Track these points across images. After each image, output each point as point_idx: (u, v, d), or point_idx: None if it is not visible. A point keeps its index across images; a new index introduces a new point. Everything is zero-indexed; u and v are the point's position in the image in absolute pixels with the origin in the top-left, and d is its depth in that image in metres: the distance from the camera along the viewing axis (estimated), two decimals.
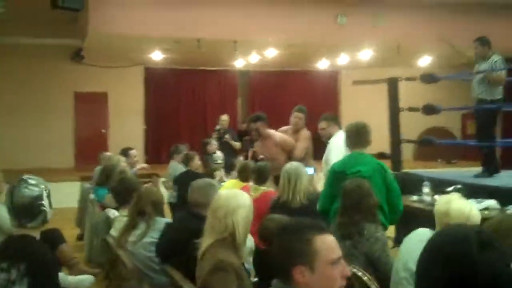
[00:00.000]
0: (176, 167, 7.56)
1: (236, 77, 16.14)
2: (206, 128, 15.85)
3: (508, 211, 4.98)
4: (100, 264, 5.26)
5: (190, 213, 3.34)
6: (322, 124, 5.64)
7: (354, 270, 3.02)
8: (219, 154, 8.91)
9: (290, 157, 6.20)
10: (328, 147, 5.38)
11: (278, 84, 16.46)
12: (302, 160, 5.84)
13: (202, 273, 2.69)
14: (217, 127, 10.20)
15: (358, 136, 4.22)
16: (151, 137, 15.30)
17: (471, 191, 5.57)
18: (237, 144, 9.99)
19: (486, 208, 5.14)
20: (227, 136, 9.88)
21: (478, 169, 6.87)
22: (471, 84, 6.63)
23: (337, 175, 4.15)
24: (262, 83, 16.36)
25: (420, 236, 3.02)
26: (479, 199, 5.31)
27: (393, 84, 7.35)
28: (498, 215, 4.40)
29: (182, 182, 6.40)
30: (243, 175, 5.48)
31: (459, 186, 5.66)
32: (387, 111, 7.53)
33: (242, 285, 2.66)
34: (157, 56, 12.55)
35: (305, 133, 6.55)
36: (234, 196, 2.82)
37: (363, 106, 15.54)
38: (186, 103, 15.80)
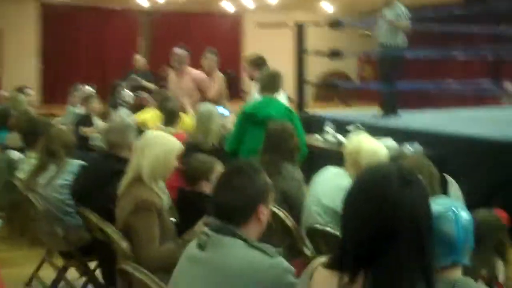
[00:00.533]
0: (71, 109, 7.32)
1: (139, 17, 15.61)
2: (105, 68, 15.37)
3: (406, 150, 5.30)
4: (1, 207, 5.06)
5: (106, 155, 3.28)
6: (245, 66, 5.63)
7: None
8: (127, 92, 8.43)
9: (204, 98, 6.19)
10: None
11: (181, 25, 16.12)
12: (217, 102, 5.89)
13: (123, 213, 2.69)
14: (134, 76, 9.37)
15: (270, 82, 4.31)
16: (48, 76, 14.56)
17: (370, 131, 5.87)
18: (151, 86, 9.54)
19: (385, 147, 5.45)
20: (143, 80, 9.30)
21: (375, 110, 7.26)
22: (376, 29, 6.89)
23: (247, 117, 4.25)
24: (165, 24, 15.94)
25: (331, 173, 3.19)
26: (377, 138, 5.62)
27: (300, 29, 7.47)
28: (401, 155, 4.67)
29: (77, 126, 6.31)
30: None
31: (358, 125, 5.95)
32: (289, 55, 7.64)
33: (164, 226, 2.70)
34: None
35: (219, 75, 6.55)
36: (149, 136, 2.83)
37: (267, 49, 15.62)
38: (85, 42, 15.09)
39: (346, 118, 6.75)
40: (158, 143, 2.75)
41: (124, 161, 3.03)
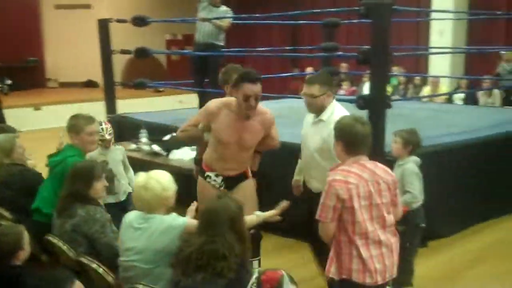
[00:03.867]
0: None
1: None
2: None
3: None
4: None
5: None
6: (314, 89, 3.53)
7: (82, 259, 2.97)
8: None
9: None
10: (321, 126, 3.55)
11: None
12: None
13: None
14: None
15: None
16: None
17: None
18: None
19: None
20: None
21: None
22: (200, 24, 6.81)
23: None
24: None
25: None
26: (193, 147, 5.58)
27: (103, 26, 7.10)
28: None
29: None
30: None
31: (174, 134, 5.89)
32: (95, 36, 7.20)
33: None
34: None
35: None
36: None
37: (69, 31, 14.81)
38: None
39: (163, 122, 6.58)
40: None
41: None
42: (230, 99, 3.67)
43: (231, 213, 2.60)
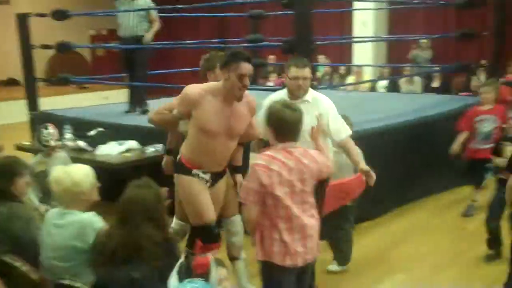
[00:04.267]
0: None
1: None
2: None
3: (148, 151, 5.32)
4: None
5: None
6: (307, 72, 3.54)
7: (5, 258, 2.88)
8: None
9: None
10: (309, 106, 3.45)
11: None
12: None
13: None
14: None
15: None
16: None
17: (115, 132, 5.73)
18: None
19: (128, 150, 5.39)
20: None
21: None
22: (122, 19, 6.67)
23: None
24: None
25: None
26: (120, 141, 5.52)
27: (22, 21, 6.85)
28: None
29: None
30: None
31: (102, 129, 5.77)
32: (15, 33, 6.97)
33: None
34: None
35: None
36: None
37: None
38: None
39: (89, 118, 6.39)
40: None
41: None
42: (211, 84, 3.37)
43: (147, 201, 2.54)
